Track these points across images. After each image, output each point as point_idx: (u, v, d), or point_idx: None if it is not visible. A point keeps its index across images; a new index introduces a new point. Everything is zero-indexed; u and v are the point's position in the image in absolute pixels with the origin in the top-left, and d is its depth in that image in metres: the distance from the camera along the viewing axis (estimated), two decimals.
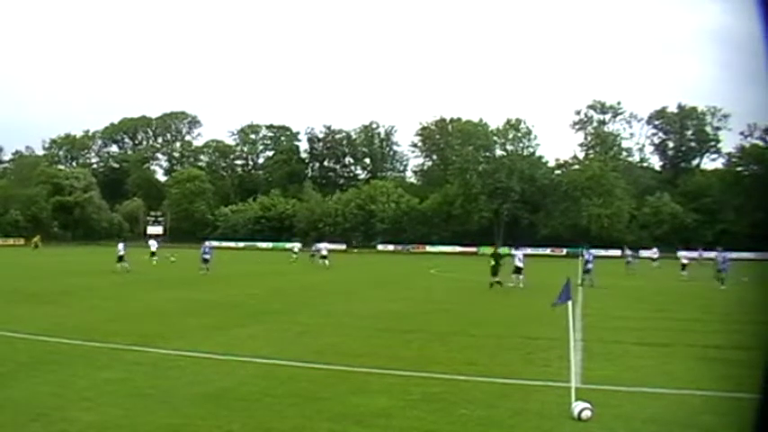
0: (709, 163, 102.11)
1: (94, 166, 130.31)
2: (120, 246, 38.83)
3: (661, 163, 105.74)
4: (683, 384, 11.21)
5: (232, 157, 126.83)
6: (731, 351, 14.64)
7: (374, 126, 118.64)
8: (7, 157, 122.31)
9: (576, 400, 8.99)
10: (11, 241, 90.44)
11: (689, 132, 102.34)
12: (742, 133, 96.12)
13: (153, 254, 48.40)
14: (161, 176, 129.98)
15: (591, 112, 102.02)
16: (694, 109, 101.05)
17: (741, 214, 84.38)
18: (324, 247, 50.17)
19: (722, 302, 26.84)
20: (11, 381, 10.41)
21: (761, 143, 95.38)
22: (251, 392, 10.01)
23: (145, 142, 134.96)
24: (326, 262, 46.56)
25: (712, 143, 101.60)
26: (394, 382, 10.89)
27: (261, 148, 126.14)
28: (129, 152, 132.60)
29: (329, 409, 9.18)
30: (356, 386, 10.60)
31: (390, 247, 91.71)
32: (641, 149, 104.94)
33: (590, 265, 33.71)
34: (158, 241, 57.24)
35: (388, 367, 12.00)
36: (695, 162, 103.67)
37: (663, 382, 11.36)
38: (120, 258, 37.30)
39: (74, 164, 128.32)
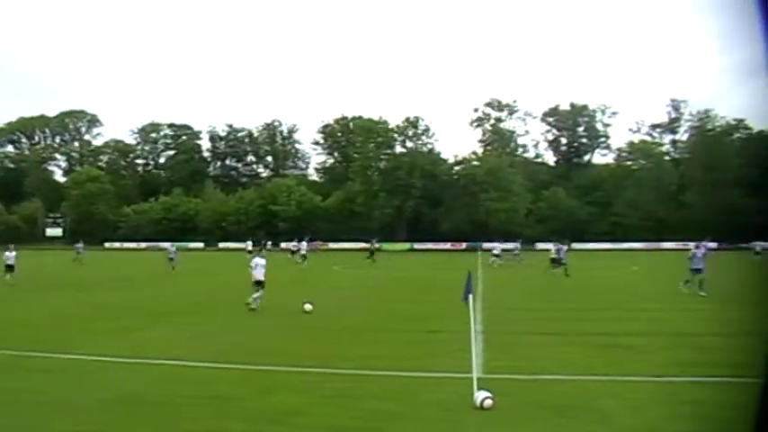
0: (601, 158, 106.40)
1: None
2: (8, 254, 32.49)
3: (555, 158, 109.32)
4: (579, 370, 11.63)
5: (133, 156, 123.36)
6: (624, 337, 15.30)
7: (276, 124, 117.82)
8: None
9: (479, 389, 9.18)
10: None
11: (581, 129, 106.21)
12: (630, 129, 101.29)
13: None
14: (60, 177, 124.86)
15: (488, 110, 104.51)
16: (585, 106, 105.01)
17: (631, 206, 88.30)
18: (303, 246, 48.70)
19: (614, 291, 28.00)
20: None
21: (648, 138, 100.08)
22: (162, 395, 9.83)
23: (42, 142, 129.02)
24: (304, 263, 45.35)
25: (603, 139, 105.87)
26: (305, 380, 10.93)
27: (162, 147, 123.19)
28: (27, 152, 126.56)
29: (242, 409, 9.14)
30: (268, 385, 10.58)
31: (291, 245, 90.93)
32: (536, 146, 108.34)
33: (562, 256, 35.93)
34: (80, 247, 54.06)
35: (298, 365, 12.02)
36: (587, 157, 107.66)
37: (560, 369, 11.76)
38: (9, 268, 31.92)
39: None
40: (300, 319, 18.84)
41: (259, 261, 21.01)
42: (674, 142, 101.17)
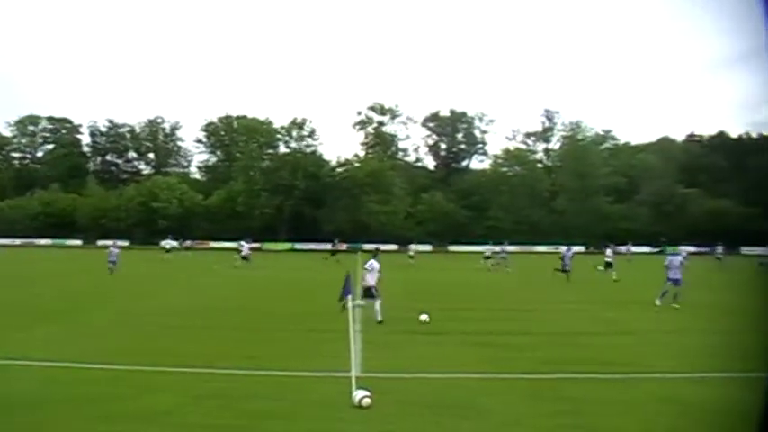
0: (478, 164, 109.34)
1: None
2: None
3: (435, 163, 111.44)
4: (457, 368, 11.81)
5: (8, 149, 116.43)
6: (501, 336, 15.68)
7: (159, 121, 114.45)
8: None
9: (357, 388, 9.20)
10: None
11: (460, 135, 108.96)
12: (507, 137, 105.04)
13: None
14: None
15: (371, 114, 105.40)
16: (464, 113, 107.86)
17: (506, 211, 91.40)
18: (244, 246, 46.22)
19: (491, 292, 28.73)
20: None
21: (523, 146, 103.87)
22: (34, 398, 9.42)
23: None
24: (239, 264, 42.94)
25: (480, 145, 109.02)
26: (180, 380, 10.72)
27: (40, 140, 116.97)
28: None
29: (116, 410, 8.89)
30: (142, 386, 10.29)
31: (175, 244, 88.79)
32: (417, 150, 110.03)
33: (567, 261, 34.04)
34: None
35: (175, 365, 11.76)
36: (465, 162, 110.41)
37: (439, 367, 11.89)
38: None
39: None
40: (181, 319, 18.36)
41: (374, 265, 18.60)
42: (546, 151, 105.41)
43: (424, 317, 17.71)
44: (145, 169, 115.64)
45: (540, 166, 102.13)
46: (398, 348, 13.83)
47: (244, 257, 44.47)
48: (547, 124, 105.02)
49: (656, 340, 15.72)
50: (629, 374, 11.57)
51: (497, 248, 47.56)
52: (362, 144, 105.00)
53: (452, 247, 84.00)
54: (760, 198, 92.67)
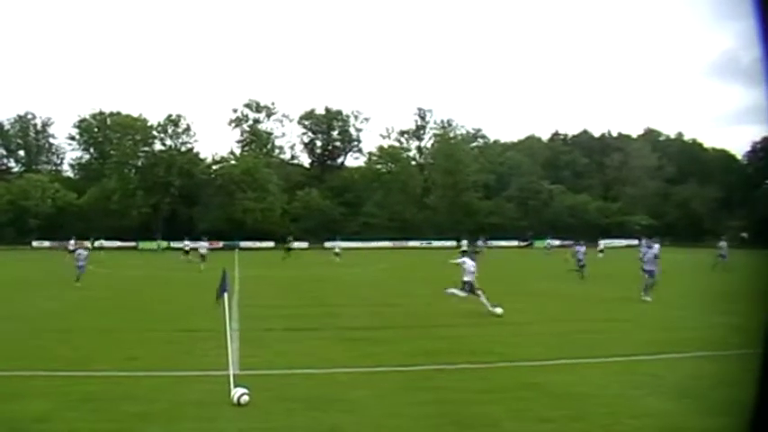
0: (353, 161, 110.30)
1: None
2: None
3: (310, 160, 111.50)
4: (331, 364, 12.13)
5: None
6: (372, 330, 16.19)
7: (30, 117, 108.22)
8: None
9: (235, 386, 9.28)
10: None
11: (335, 133, 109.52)
12: (381, 135, 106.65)
13: None
14: None
15: (247, 111, 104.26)
16: (340, 112, 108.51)
17: (380, 207, 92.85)
18: (202, 245, 43.88)
19: (364, 288, 29.31)
20: None
21: (397, 144, 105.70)
22: None
23: None
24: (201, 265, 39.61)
25: (355, 143, 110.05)
26: (52, 384, 10.32)
27: None
28: None
29: None
30: (11, 392, 9.82)
31: (47, 244, 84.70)
32: (292, 147, 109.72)
33: (581, 257, 33.61)
34: None
35: (46, 369, 11.33)
36: (340, 160, 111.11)
37: (313, 363, 12.17)
38: None
39: None
40: (51, 321, 17.72)
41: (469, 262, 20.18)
42: (419, 148, 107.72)
43: (498, 310, 18.73)
44: (15, 167, 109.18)
45: (413, 163, 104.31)
46: (275, 345, 13.98)
47: (202, 256, 42.28)
48: (420, 123, 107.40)
49: (523, 330, 16.59)
50: (497, 363, 12.24)
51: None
52: (238, 141, 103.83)
53: (328, 244, 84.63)
54: (618, 193, 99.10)
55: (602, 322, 18.08)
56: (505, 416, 8.89)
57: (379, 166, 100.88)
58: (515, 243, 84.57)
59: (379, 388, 10.38)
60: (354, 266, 42.27)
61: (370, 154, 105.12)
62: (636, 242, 65.46)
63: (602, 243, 62.48)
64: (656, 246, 26.09)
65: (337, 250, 50.14)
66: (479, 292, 19.50)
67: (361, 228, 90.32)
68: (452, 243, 79.35)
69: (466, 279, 19.91)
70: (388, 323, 17.54)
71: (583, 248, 34.14)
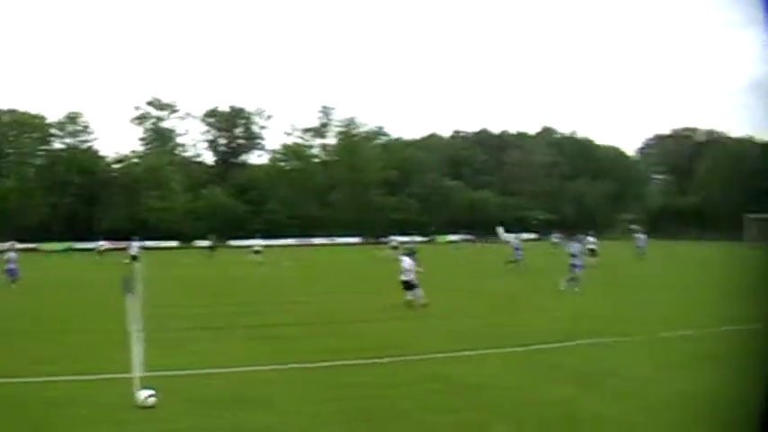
0: (257, 159, 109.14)
1: None
2: None
3: (214, 158, 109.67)
4: (241, 362, 12.25)
5: None
6: (280, 328, 16.34)
7: None
8: None
9: (142, 388, 9.22)
10: None
11: (238, 130, 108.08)
12: (285, 132, 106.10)
13: None
14: None
15: (149, 109, 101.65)
16: (243, 109, 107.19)
17: (284, 204, 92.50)
18: (133, 246, 42.27)
19: (270, 286, 29.28)
20: None
21: (300, 141, 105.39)
22: None
23: None
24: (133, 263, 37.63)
25: (259, 141, 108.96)
26: None
27: None
28: None
29: None
30: None
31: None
32: (195, 146, 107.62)
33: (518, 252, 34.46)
34: None
35: None
36: (244, 158, 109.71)
37: (223, 362, 12.26)
38: None
39: None
40: None
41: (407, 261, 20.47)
42: (323, 146, 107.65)
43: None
44: None
45: (316, 160, 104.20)
46: (183, 346, 13.94)
47: (133, 257, 40.75)
48: (323, 120, 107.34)
49: (426, 325, 17.12)
50: (403, 357, 12.66)
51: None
52: (141, 139, 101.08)
53: (232, 242, 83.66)
54: (516, 189, 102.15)
55: (511, 315, 18.83)
56: (413, 408, 9.24)
57: (282, 164, 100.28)
58: (419, 239, 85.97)
59: (290, 385, 10.57)
60: (262, 265, 41.96)
61: (273, 152, 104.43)
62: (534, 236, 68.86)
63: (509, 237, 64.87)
64: (592, 239, 28.98)
65: (257, 248, 49.34)
66: (417, 291, 19.88)
67: (265, 225, 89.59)
68: (356, 240, 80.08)
69: (404, 278, 20.12)
70: (293, 320, 17.72)
71: (517, 242, 36.08)
